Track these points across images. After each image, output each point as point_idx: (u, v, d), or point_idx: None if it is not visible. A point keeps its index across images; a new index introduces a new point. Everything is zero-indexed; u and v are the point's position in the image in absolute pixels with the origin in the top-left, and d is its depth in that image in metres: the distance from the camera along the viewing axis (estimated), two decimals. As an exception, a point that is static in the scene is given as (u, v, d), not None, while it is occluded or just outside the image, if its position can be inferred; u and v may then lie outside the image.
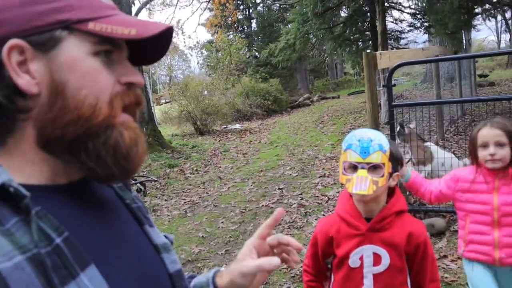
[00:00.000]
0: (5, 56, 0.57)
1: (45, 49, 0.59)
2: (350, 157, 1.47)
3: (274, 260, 0.78)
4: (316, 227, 1.73)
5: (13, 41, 0.58)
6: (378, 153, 1.43)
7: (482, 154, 2.03)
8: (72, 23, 0.60)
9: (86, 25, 0.61)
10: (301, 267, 3.80)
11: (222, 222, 5.46)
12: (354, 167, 1.47)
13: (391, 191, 1.61)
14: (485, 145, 2.00)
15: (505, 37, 43.22)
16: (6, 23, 0.58)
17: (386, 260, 1.54)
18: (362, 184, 1.41)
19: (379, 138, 1.46)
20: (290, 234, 4.67)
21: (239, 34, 26.70)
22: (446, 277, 3.27)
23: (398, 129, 5.37)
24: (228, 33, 24.03)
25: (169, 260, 0.78)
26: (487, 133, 2.00)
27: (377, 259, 1.55)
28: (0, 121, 0.60)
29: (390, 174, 1.51)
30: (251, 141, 11.76)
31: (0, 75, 0.58)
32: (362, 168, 1.44)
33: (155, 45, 0.71)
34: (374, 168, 1.44)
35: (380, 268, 1.55)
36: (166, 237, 0.84)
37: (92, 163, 0.63)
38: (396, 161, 1.52)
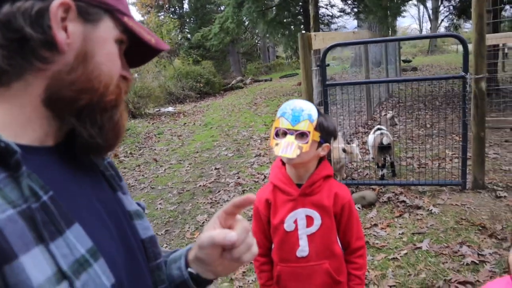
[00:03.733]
0: (55, 7, 0.60)
1: (87, 19, 0.65)
2: (282, 124, 1.56)
3: (231, 235, 0.72)
4: (255, 200, 1.79)
5: None
6: (306, 121, 1.54)
7: None
8: (115, 10, 0.69)
9: (122, 17, 0.70)
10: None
11: (160, 204, 5.42)
12: (284, 133, 1.56)
13: (319, 161, 1.71)
14: None
15: (426, 25, 46.04)
16: None
17: (317, 221, 1.66)
18: (288, 148, 1.51)
19: (310, 109, 1.57)
20: (229, 211, 4.74)
21: (171, 15, 26.07)
22: (377, 243, 3.51)
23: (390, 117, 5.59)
24: (159, 14, 23.36)
25: (142, 227, 0.80)
26: None
27: (309, 221, 1.66)
28: (15, 60, 0.60)
29: (320, 144, 1.62)
30: (185, 123, 11.64)
31: (41, 21, 0.60)
32: (291, 134, 1.54)
33: (144, 56, 0.80)
34: (301, 135, 1.54)
35: (313, 229, 1.67)
36: (138, 204, 0.86)
37: (94, 131, 0.67)
38: (326, 132, 1.62)
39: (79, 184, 0.68)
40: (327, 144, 1.65)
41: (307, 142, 1.52)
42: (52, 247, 0.54)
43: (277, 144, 1.54)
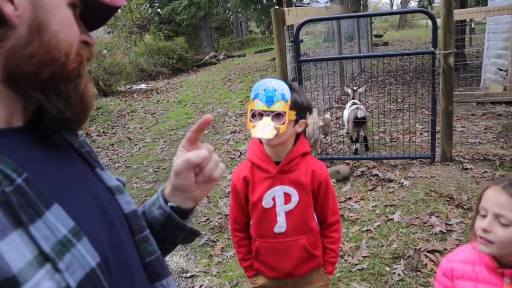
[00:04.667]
0: None
1: None
2: (257, 106, 1.58)
3: (201, 152, 0.81)
4: (232, 176, 1.84)
5: None
6: (281, 102, 1.55)
7: (477, 224, 1.31)
8: None
9: None
10: (219, 218, 3.98)
11: (136, 182, 5.41)
12: (260, 115, 1.58)
13: (296, 137, 1.75)
14: (484, 214, 1.29)
15: (397, 0, 46.32)
16: None
17: (295, 198, 1.71)
18: (264, 129, 1.53)
19: (282, 88, 1.58)
20: (206, 189, 4.78)
21: (140, -11, 25.32)
22: (351, 216, 3.63)
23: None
24: (128, -12, 22.63)
25: (124, 201, 0.79)
26: (492, 197, 1.27)
27: (287, 198, 1.71)
28: None
29: (297, 121, 1.64)
30: (158, 100, 11.50)
31: None
32: (267, 116, 1.56)
33: (102, 16, 0.76)
34: (277, 116, 1.56)
35: (291, 205, 1.72)
36: (118, 180, 0.85)
37: (61, 105, 0.64)
38: (301, 109, 1.64)
39: (54, 164, 0.66)
40: (304, 120, 1.67)
41: (283, 123, 1.54)
42: (32, 229, 0.53)
43: (254, 126, 1.55)
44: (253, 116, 1.59)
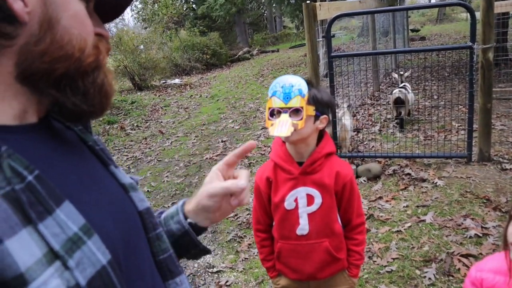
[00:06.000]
0: None
1: None
2: (275, 103, 1.54)
3: (241, 183, 0.83)
4: (255, 177, 1.81)
5: None
6: (298, 97, 1.51)
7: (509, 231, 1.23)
8: None
9: None
10: (248, 214, 3.97)
11: (166, 176, 5.47)
12: (278, 112, 1.54)
13: (321, 136, 1.70)
14: None
15: (436, -8, 44.92)
16: None
17: (318, 199, 1.66)
18: (282, 127, 1.49)
19: (299, 83, 1.53)
20: (235, 184, 4.78)
21: (175, -15, 25.58)
22: (382, 216, 3.54)
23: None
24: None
25: (138, 199, 0.79)
26: None
27: (310, 199, 1.66)
28: None
29: (317, 117, 1.59)
30: (191, 95, 11.61)
31: None
32: (285, 112, 1.52)
33: (117, 6, 0.75)
34: (295, 112, 1.52)
35: (313, 207, 1.67)
36: (132, 178, 0.84)
37: (76, 99, 0.64)
38: (321, 104, 1.59)
39: (67, 160, 0.66)
40: (325, 116, 1.62)
41: (301, 119, 1.50)
42: (41, 227, 0.53)
43: (272, 124, 1.52)
44: (271, 114, 1.56)
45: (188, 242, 0.91)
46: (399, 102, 5.69)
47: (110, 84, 0.69)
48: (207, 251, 0.95)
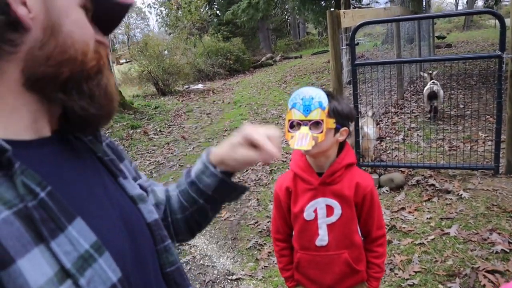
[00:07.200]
0: None
1: None
2: (294, 115, 1.52)
3: (275, 151, 0.85)
4: (275, 186, 1.80)
5: None
6: (318, 110, 1.49)
7: None
8: None
9: None
10: (268, 222, 3.95)
11: (188, 182, 5.48)
12: (298, 125, 1.52)
13: (341, 146, 1.68)
14: None
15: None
16: None
17: (338, 210, 1.64)
18: (303, 140, 1.47)
19: (319, 96, 1.51)
20: (256, 192, 4.79)
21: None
22: (404, 227, 3.47)
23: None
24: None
25: (146, 210, 0.79)
26: None
27: (329, 210, 1.65)
28: None
29: (337, 130, 1.57)
30: (214, 101, 11.68)
31: None
32: (305, 125, 1.50)
33: (113, 18, 0.76)
34: (315, 124, 1.50)
35: (333, 218, 1.65)
36: (141, 186, 0.85)
37: (84, 102, 0.65)
38: (341, 116, 1.57)
39: (78, 175, 0.67)
40: (345, 128, 1.60)
41: (321, 132, 1.48)
42: (53, 245, 0.53)
43: (292, 137, 1.50)
44: (291, 126, 1.54)
45: (226, 188, 0.93)
46: (433, 96, 6.19)
47: (112, 89, 0.71)
48: (246, 188, 0.98)
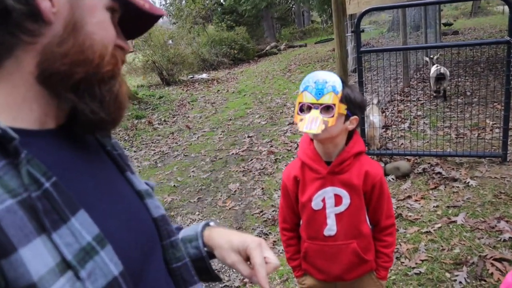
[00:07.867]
0: None
1: None
2: (306, 98, 1.49)
3: (264, 282, 0.81)
4: (283, 175, 1.77)
5: None
6: (331, 94, 1.46)
7: None
8: None
9: None
10: (273, 211, 3.94)
11: (193, 171, 5.49)
12: (309, 108, 1.49)
13: (350, 135, 1.64)
14: None
15: (469, -16, 43.62)
16: None
17: (346, 200, 1.61)
18: (312, 123, 1.44)
19: (333, 80, 1.48)
20: (261, 181, 4.77)
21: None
22: (410, 216, 3.45)
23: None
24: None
25: (153, 205, 0.79)
26: None
27: (338, 199, 1.61)
28: (1, 36, 0.57)
29: (348, 117, 1.54)
30: (218, 90, 11.65)
31: None
32: (316, 108, 1.47)
33: (139, 25, 0.76)
34: (326, 108, 1.47)
35: (341, 208, 1.62)
36: (147, 184, 0.85)
37: (95, 106, 0.64)
38: (353, 104, 1.53)
39: (84, 167, 0.67)
40: (355, 117, 1.57)
41: (332, 116, 1.45)
42: (55, 236, 0.53)
43: (301, 120, 1.47)
44: (301, 109, 1.51)
45: (202, 269, 0.92)
46: (441, 77, 6.47)
47: (124, 95, 0.70)
48: (218, 279, 0.96)
